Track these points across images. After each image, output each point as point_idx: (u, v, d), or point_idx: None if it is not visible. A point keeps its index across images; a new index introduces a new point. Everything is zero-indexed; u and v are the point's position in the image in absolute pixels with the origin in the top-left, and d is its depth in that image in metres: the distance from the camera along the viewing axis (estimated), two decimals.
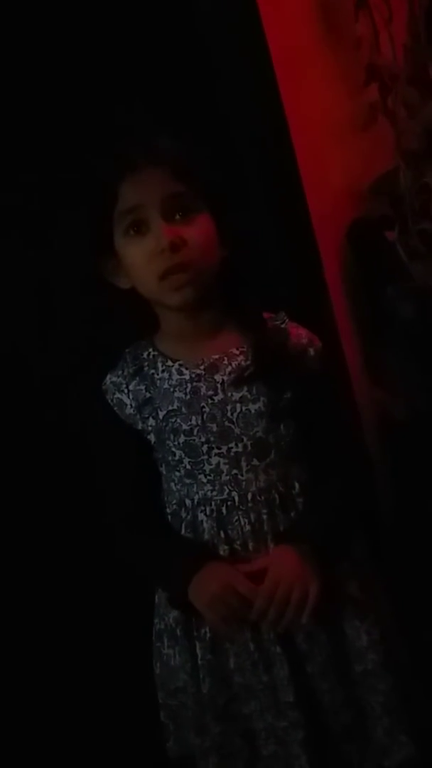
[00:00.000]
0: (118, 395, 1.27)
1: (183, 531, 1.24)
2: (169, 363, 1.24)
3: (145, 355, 1.27)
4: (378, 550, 1.33)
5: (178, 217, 1.18)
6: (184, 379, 1.23)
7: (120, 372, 1.28)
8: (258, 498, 1.21)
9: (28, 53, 1.51)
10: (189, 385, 1.22)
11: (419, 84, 1.77)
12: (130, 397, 1.25)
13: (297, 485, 1.24)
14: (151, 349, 1.27)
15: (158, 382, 1.24)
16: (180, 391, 1.23)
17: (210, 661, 1.23)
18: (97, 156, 1.28)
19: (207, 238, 1.20)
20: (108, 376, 1.29)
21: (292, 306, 1.34)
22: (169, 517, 1.26)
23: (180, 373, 1.23)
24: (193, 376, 1.22)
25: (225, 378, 1.22)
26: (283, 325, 1.26)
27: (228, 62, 1.60)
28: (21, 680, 1.60)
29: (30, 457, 1.57)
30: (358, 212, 1.76)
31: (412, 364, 1.68)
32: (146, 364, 1.26)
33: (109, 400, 1.27)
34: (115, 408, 1.27)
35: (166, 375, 1.24)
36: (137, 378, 1.26)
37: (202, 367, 1.22)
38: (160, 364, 1.25)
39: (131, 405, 1.25)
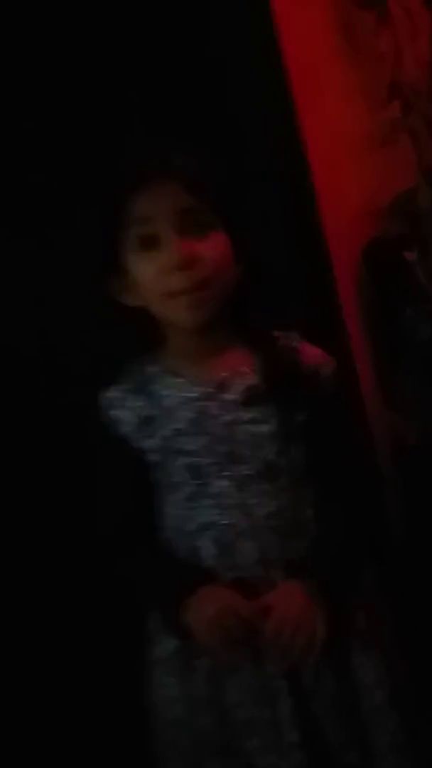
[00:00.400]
0: (115, 411, 1.21)
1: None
2: (174, 380, 1.19)
3: (148, 370, 1.22)
4: (386, 579, 1.27)
5: (191, 232, 1.13)
6: (192, 397, 1.18)
7: (121, 387, 1.22)
8: (267, 523, 1.16)
9: (42, 63, 1.49)
10: (197, 403, 1.17)
11: None
12: (130, 414, 1.20)
13: (309, 511, 1.18)
14: (155, 365, 1.22)
15: (162, 399, 1.19)
16: (186, 410, 1.17)
17: (209, 694, 1.16)
18: (109, 168, 1.25)
19: (222, 255, 1.15)
20: (108, 391, 1.23)
21: (306, 325, 1.30)
22: (165, 543, 1.20)
23: (187, 390, 1.18)
24: (201, 394, 1.17)
25: (236, 397, 1.17)
26: (294, 344, 1.21)
27: (243, 76, 1.58)
28: (13, 702, 1.54)
29: (31, 469, 1.53)
30: (375, 231, 1.71)
31: (429, 388, 1.62)
32: (149, 379, 1.21)
33: (107, 417, 1.22)
34: (112, 425, 1.21)
35: (170, 392, 1.19)
36: (141, 394, 1.20)
37: (210, 386, 1.17)
38: (164, 381, 1.19)
39: (130, 422, 1.20)
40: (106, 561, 1.25)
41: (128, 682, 1.29)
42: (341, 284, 1.67)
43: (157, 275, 1.13)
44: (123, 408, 1.20)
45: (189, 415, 1.17)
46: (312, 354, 1.22)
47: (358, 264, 1.72)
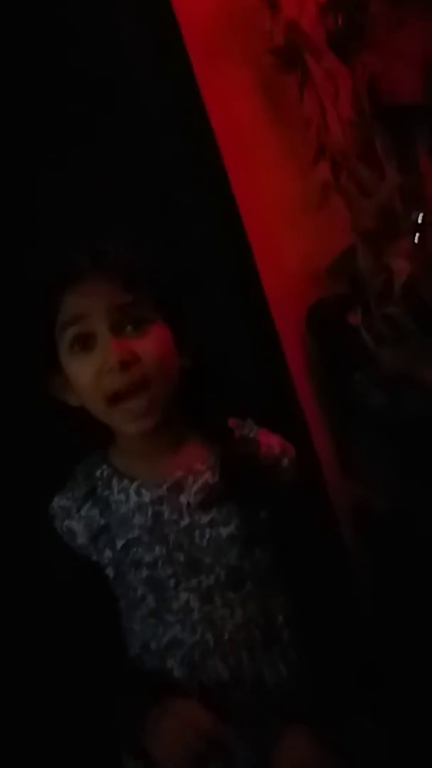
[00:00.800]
0: (67, 522, 1.13)
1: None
2: (126, 483, 1.12)
3: (98, 473, 1.14)
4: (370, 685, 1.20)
5: (129, 329, 1.06)
6: (144, 501, 1.10)
7: (70, 494, 1.14)
8: (236, 637, 1.08)
9: None
10: (150, 508, 1.10)
11: (368, 160, 1.71)
12: (82, 524, 1.12)
13: (280, 617, 1.11)
14: (104, 466, 1.14)
15: (114, 505, 1.11)
16: (140, 516, 1.10)
17: None
18: (37, 263, 1.18)
19: (163, 350, 1.08)
20: (55, 500, 1.15)
21: (257, 400, 1.24)
22: (132, 662, 1.12)
23: (139, 494, 1.11)
24: (155, 498, 1.10)
25: (191, 499, 1.10)
26: (252, 434, 1.15)
27: (173, 150, 1.53)
28: None
29: None
30: (315, 296, 1.67)
31: (386, 454, 1.57)
32: (100, 483, 1.13)
33: (58, 529, 1.14)
34: (65, 537, 1.13)
35: (122, 497, 1.11)
36: (90, 501, 1.13)
37: (164, 488, 1.10)
38: (115, 485, 1.12)
39: (83, 534, 1.12)
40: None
41: None
42: (288, 352, 1.62)
43: (93, 378, 1.06)
44: (75, 518, 1.13)
45: (143, 522, 1.10)
46: (271, 443, 1.16)
47: (302, 330, 1.68)
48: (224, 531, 1.10)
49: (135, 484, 1.11)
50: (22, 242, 1.35)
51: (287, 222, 1.67)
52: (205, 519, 1.10)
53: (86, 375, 1.07)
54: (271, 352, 1.60)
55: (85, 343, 1.07)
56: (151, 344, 1.07)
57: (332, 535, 1.35)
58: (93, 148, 1.47)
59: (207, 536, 1.09)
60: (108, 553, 1.11)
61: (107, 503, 1.12)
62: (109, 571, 1.12)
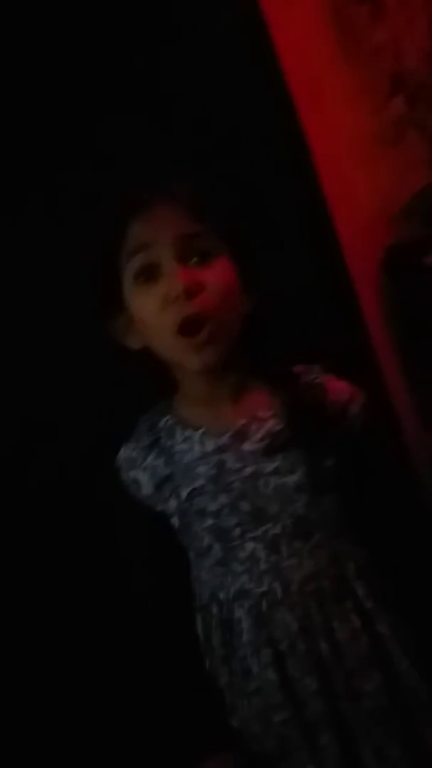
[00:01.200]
0: (132, 472, 1.10)
1: (214, 630, 1.06)
2: (189, 432, 1.08)
3: (162, 423, 1.11)
4: None
5: (194, 260, 1.03)
6: (208, 450, 1.06)
7: (134, 445, 1.12)
8: (304, 588, 1.03)
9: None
10: (214, 457, 1.06)
11: None
12: (147, 474, 1.09)
13: (352, 566, 1.06)
14: (168, 416, 1.11)
15: (177, 455, 1.08)
16: (204, 465, 1.06)
17: None
18: (104, 194, 1.14)
19: (228, 284, 1.04)
20: (121, 451, 1.13)
21: (327, 348, 1.18)
22: (199, 612, 1.08)
23: (202, 443, 1.07)
24: (218, 446, 1.06)
25: (255, 447, 1.05)
26: (318, 380, 1.09)
27: (242, 89, 1.46)
28: None
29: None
30: (392, 238, 1.59)
31: None
32: (163, 434, 1.10)
33: (124, 480, 1.11)
34: (131, 488, 1.10)
35: (186, 446, 1.07)
36: (154, 451, 1.09)
37: (227, 436, 1.06)
38: (179, 434, 1.09)
39: (148, 484, 1.09)
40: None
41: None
42: (364, 299, 1.55)
43: (158, 308, 1.03)
44: (140, 469, 1.10)
45: (207, 471, 1.06)
46: (338, 389, 1.10)
47: (378, 275, 1.60)
48: (290, 479, 1.05)
49: (199, 433, 1.08)
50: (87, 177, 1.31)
51: (361, 161, 1.59)
52: (269, 467, 1.05)
53: (151, 305, 1.04)
54: (345, 298, 1.52)
55: (150, 274, 1.04)
56: (217, 276, 1.04)
57: (408, 486, 1.28)
58: (161, 85, 1.41)
59: (272, 485, 1.05)
60: (173, 503, 1.08)
61: (171, 453, 1.09)
62: (175, 521, 1.09)
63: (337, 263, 1.53)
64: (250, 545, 1.05)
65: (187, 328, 1.03)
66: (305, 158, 1.51)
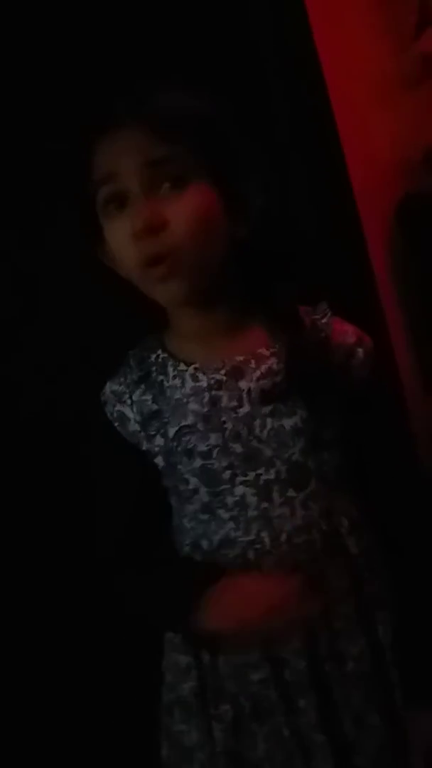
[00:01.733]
0: (119, 407, 1.02)
1: None
2: (182, 367, 0.99)
3: (153, 357, 1.02)
4: None
5: (166, 187, 0.92)
6: (201, 386, 0.98)
7: (122, 379, 1.03)
8: (294, 539, 0.96)
9: None
10: (206, 394, 0.97)
11: None
12: (134, 409, 1.01)
13: (345, 522, 0.99)
14: (160, 351, 1.02)
15: (168, 390, 0.99)
16: (195, 403, 0.98)
17: (233, 747, 0.97)
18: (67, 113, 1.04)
19: (202, 213, 0.93)
20: (107, 385, 1.04)
21: (332, 297, 1.10)
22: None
23: (195, 379, 0.98)
24: (212, 382, 0.97)
25: (252, 385, 0.97)
26: (324, 320, 1.01)
27: (261, 24, 1.37)
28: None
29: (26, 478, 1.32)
30: (409, 186, 1.50)
31: None
32: (154, 368, 1.02)
33: (109, 414, 1.03)
34: (116, 423, 1.02)
35: (177, 382, 0.99)
36: (142, 386, 1.01)
37: (222, 372, 0.97)
38: (170, 369, 1.00)
39: (135, 420, 1.01)
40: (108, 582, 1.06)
41: (141, 728, 1.10)
42: (372, 249, 1.47)
43: (125, 240, 0.93)
44: (127, 403, 1.02)
45: (198, 409, 0.98)
46: (345, 331, 1.02)
47: (390, 225, 1.52)
48: (287, 422, 0.97)
49: (191, 368, 0.99)
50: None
51: (381, 102, 1.51)
52: (266, 408, 0.97)
53: (120, 237, 0.94)
54: (353, 246, 1.44)
55: (119, 202, 0.94)
56: (188, 205, 0.92)
57: (407, 444, 1.21)
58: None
59: (268, 427, 0.97)
60: (159, 441, 1.00)
61: (161, 389, 1.01)
62: (159, 461, 1.01)
63: (347, 210, 1.45)
64: (239, 490, 0.97)
65: (150, 263, 0.93)
66: (320, 96, 1.43)
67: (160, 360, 1.02)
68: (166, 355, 1.02)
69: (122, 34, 1.25)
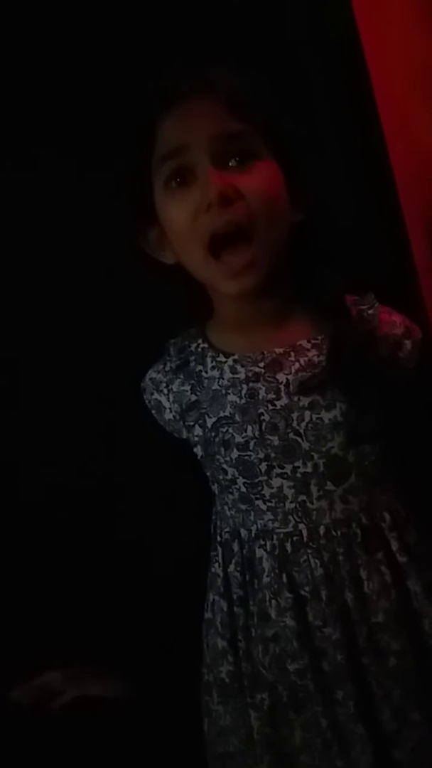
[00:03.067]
0: (156, 396, 1.03)
1: (233, 569, 0.99)
2: (221, 358, 1.00)
3: (193, 347, 1.03)
4: None
5: (233, 163, 0.92)
6: (239, 378, 0.98)
7: (161, 367, 1.04)
8: (333, 533, 0.96)
9: None
10: (244, 386, 0.98)
11: None
12: (171, 399, 1.02)
13: (387, 517, 0.98)
14: (200, 341, 1.03)
15: (206, 381, 1.00)
16: (234, 394, 0.98)
17: (269, 735, 0.97)
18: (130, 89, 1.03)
19: (271, 189, 0.93)
20: (148, 373, 1.05)
21: (375, 290, 1.09)
22: (219, 547, 1.01)
23: (234, 371, 0.99)
24: (250, 374, 0.97)
25: (290, 377, 0.96)
26: (371, 311, 0.99)
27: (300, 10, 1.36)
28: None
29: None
30: None
31: None
32: (193, 358, 1.02)
33: (147, 401, 1.04)
34: (153, 411, 1.03)
35: (216, 373, 1.00)
36: (181, 376, 1.02)
37: (261, 364, 0.97)
38: (209, 360, 1.00)
39: (171, 409, 1.02)
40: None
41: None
42: (414, 242, 1.45)
43: (191, 217, 0.92)
44: (164, 392, 1.03)
45: (236, 401, 0.98)
46: (393, 321, 1.01)
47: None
48: (326, 415, 0.96)
49: (230, 359, 1.00)
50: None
51: (423, 92, 1.49)
52: (305, 401, 0.97)
53: (183, 213, 0.93)
54: (395, 237, 1.43)
55: (183, 177, 0.93)
56: (258, 181, 0.92)
57: None
58: None
59: (306, 420, 0.96)
60: (198, 431, 1.00)
61: (200, 378, 1.01)
62: (198, 450, 1.01)
63: (389, 201, 1.44)
64: (277, 482, 0.97)
65: (222, 245, 0.92)
66: (363, 86, 1.41)
67: (199, 350, 1.02)
68: (206, 345, 1.02)
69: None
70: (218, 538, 1.03)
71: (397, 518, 0.99)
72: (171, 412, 1.02)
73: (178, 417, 1.02)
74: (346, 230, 1.36)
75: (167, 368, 1.04)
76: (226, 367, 0.99)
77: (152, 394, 1.04)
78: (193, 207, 0.92)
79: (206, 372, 1.00)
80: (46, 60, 1.28)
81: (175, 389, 1.02)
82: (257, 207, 0.91)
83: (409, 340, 1.00)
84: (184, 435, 1.02)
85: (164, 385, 1.03)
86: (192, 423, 1.01)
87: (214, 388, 0.99)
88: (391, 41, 1.44)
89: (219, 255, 0.93)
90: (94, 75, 1.26)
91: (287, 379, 0.97)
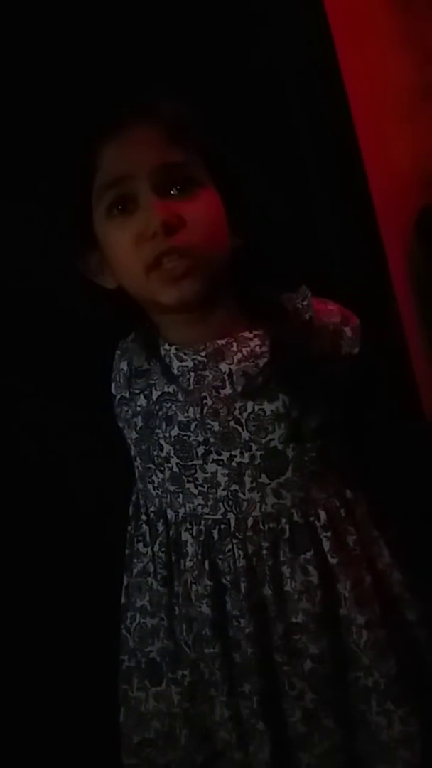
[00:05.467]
0: (122, 364, 1.07)
1: (158, 549, 0.98)
2: (167, 347, 1.01)
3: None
4: None
5: (174, 191, 0.94)
6: (186, 366, 0.98)
7: (131, 337, 1.08)
8: (261, 526, 0.95)
9: None
10: (192, 374, 0.98)
11: None
12: (127, 362, 1.05)
13: (323, 515, 0.96)
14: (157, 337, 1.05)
15: (159, 359, 1.01)
16: (183, 379, 0.99)
17: (187, 709, 0.97)
18: (71, 116, 1.04)
19: (212, 217, 0.95)
20: (126, 340, 1.09)
21: (352, 305, 1.09)
22: (143, 526, 1.01)
23: (180, 359, 0.99)
24: (196, 363, 0.98)
25: (233, 367, 0.96)
26: (305, 302, 1.00)
27: (279, 33, 1.38)
28: None
29: None
30: (428, 198, 1.49)
31: None
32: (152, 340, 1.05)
33: (114, 368, 1.07)
34: (114, 378, 1.07)
35: (166, 360, 1.01)
36: (140, 348, 1.05)
37: (203, 353, 0.97)
38: (161, 348, 1.03)
39: (124, 374, 1.05)
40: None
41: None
42: (391, 261, 1.46)
43: (132, 245, 0.93)
44: (126, 358, 1.06)
45: (184, 384, 0.98)
46: (329, 311, 1.01)
47: (410, 237, 1.51)
48: (269, 407, 0.96)
49: (173, 348, 1.00)
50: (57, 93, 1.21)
51: (402, 114, 1.50)
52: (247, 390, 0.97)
53: (125, 241, 0.95)
54: (373, 258, 1.43)
55: (125, 206, 0.95)
56: (199, 209, 0.94)
57: (417, 437, 1.18)
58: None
59: (249, 410, 0.97)
60: (141, 401, 1.01)
61: (156, 354, 1.03)
62: (138, 421, 1.01)
63: (366, 222, 1.45)
64: (212, 467, 0.97)
65: (163, 261, 0.94)
66: (341, 108, 1.43)
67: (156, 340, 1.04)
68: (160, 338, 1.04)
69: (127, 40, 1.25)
70: (143, 517, 1.02)
71: (334, 517, 0.97)
72: (123, 377, 1.04)
73: (125, 382, 1.03)
74: (325, 252, 1.37)
75: (139, 343, 1.06)
76: (172, 355, 1.00)
77: (121, 360, 1.06)
78: (135, 234, 0.93)
79: (160, 350, 1.02)
80: None
81: (134, 357, 1.04)
82: (198, 233, 0.93)
83: (348, 327, 1.01)
84: (125, 405, 1.02)
85: (130, 353, 1.06)
86: (137, 391, 1.01)
87: (164, 365, 1.00)
88: (370, 67, 1.46)
89: (160, 264, 0.93)
90: (35, 99, 1.26)
91: (230, 368, 0.97)
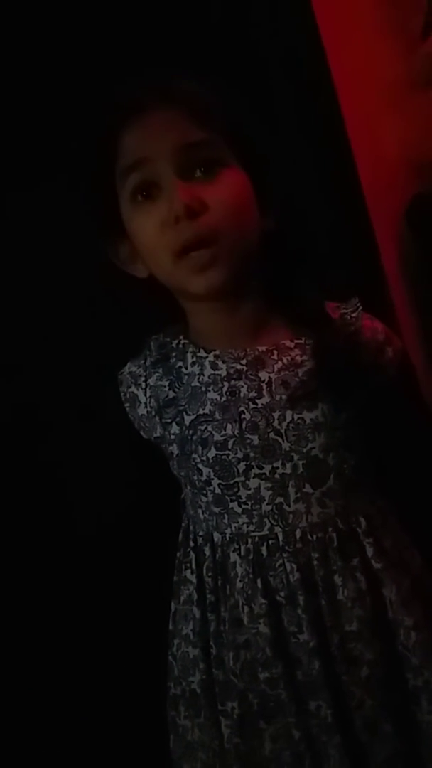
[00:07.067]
0: (133, 389, 1.02)
1: (205, 574, 0.96)
2: (202, 353, 0.98)
3: (174, 343, 1.01)
4: None
5: (198, 173, 0.91)
6: (220, 375, 0.96)
7: (142, 362, 1.03)
8: (309, 537, 0.94)
9: None
10: (225, 383, 0.96)
11: None
12: (147, 394, 1.00)
13: (363, 522, 0.96)
14: (181, 337, 1.01)
15: (186, 378, 0.98)
16: (214, 392, 0.96)
17: (238, 745, 0.95)
18: (90, 100, 1.02)
19: (238, 199, 0.93)
20: (127, 365, 1.04)
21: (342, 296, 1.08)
22: (191, 553, 0.99)
23: (215, 367, 0.97)
24: (232, 371, 0.95)
25: (272, 376, 0.94)
26: (355, 314, 0.99)
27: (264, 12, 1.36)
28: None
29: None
30: (418, 187, 1.49)
31: None
32: (174, 354, 1.01)
33: (122, 394, 1.03)
34: (127, 404, 1.01)
35: (196, 369, 0.98)
36: (160, 371, 1.00)
37: (243, 361, 0.95)
38: (190, 355, 0.99)
39: (147, 404, 0.99)
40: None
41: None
42: (383, 251, 1.45)
43: (157, 231, 0.91)
44: (141, 386, 1.01)
45: (216, 398, 0.96)
46: (375, 328, 1.02)
47: (401, 227, 1.50)
48: (308, 416, 0.95)
49: (212, 355, 0.98)
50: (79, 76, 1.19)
51: (389, 104, 1.50)
52: (286, 400, 0.95)
53: (150, 227, 0.93)
54: (364, 247, 1.42)
55: (148, 191, 0.93)
56: (224, 191, 0.92)
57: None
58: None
59: (288, 419, 0.95)
60: (174, 429, 0.99)
61: (179, 375, 1.00)
62: (174, 449, 1.00)
63: (357, 212, 1.44)
64: (254, 483, 0.95)
65: (191, 247, 0.92)
66: (329, 98, 1.42)
67: (180, 345, 1.01)
68: (186, 341, 1.00)
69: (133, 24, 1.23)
70: (191, 544, 1.00)
71: (373, 524, 0.98)
72: (146, 407, 1.00)
73: (153, 413, 1.00)
74: (315, 241, 1.36)
75: (147, 363, 1.02)
76: (206, 363, 0.98)
77: (129, 387, 1.03)
78: (159, 221, 0.91)
79: (186, 368, 0.99)
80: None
81: (152, 384, 1.00)
82: (223, 216, 0.91)
83: (390, 348, 1.01)
84: (158, 432, 1.00)
85: (142, 379, 1.01)
86: (169, 420, 0.99)
87: (193, 384, 0.98)
88: (357, 56, 1.45)
89: (187, 252, 0.92)
90: (53, 87, 1.24)
91: (270, 377, 0.96)
